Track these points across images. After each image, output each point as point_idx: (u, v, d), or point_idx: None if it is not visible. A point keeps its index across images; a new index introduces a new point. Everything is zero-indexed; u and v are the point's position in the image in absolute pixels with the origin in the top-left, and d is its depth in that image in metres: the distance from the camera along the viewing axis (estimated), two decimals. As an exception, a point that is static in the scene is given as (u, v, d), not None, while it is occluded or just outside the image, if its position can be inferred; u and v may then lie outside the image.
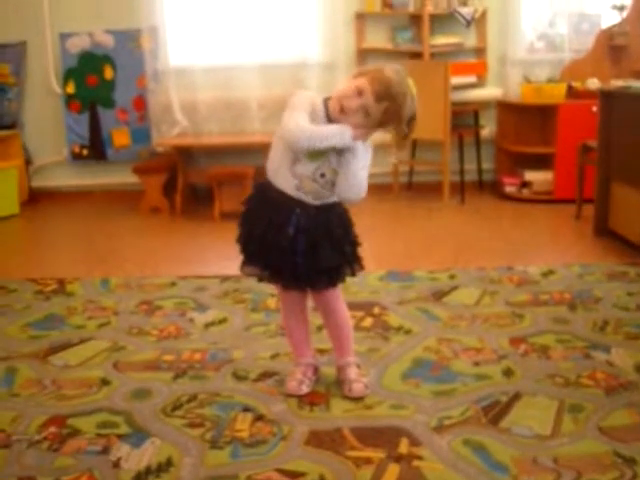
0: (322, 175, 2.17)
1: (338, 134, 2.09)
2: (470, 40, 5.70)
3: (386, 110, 2.11)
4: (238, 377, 2.51)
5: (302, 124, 2.08)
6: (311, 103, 2.15)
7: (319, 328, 2.66)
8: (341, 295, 2.39)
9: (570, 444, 2.03)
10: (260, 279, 2.36)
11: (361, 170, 2.15)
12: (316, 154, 2.13)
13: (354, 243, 2.30)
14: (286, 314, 2.42)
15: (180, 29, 5.62)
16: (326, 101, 2.18)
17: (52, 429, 2.17)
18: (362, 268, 2.34)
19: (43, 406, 2.33)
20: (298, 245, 2.19)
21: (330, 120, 2.14)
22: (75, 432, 2.15)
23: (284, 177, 2.18)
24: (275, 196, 2.20)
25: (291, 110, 2.13)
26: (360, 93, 2.09)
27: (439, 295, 3.32)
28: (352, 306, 2.71)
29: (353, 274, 2.33)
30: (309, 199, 2.19)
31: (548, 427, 2.12)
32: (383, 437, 2.08)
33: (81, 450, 2.05)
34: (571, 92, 5.39)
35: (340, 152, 2.13)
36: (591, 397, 2.30)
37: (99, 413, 2.27)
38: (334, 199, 2.23)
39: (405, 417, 2.20)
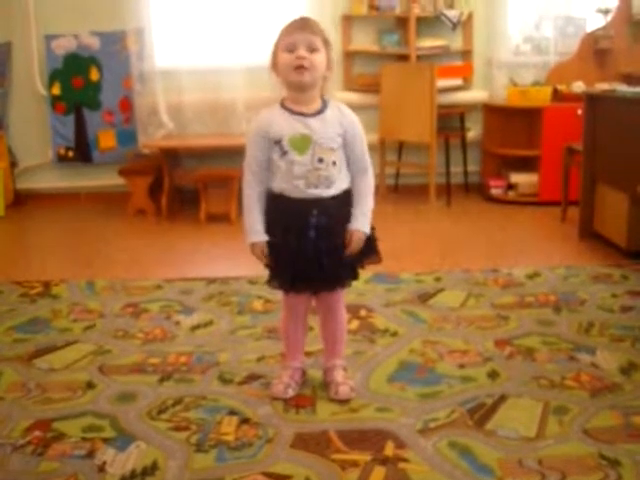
0: (320, 160, 2.16)
1: (246, 232, 2.23)
2: (456, 43, 5.72)
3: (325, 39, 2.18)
4: (224, 380, 2.50)
5: (246, 204, 2.23)
6: (260, 132, 2.19)
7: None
8: (344, 296, 2.39)
9: (555, 446, 2.04)
10: (287, 289, 2.30)
11: (366, 149, 2.26)
12: (300, 144, 2.15)
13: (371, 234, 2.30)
14: (288, 317, 2.39)
15: (166, 31, 5.61)
16: (282, 101, 2.22)
17: (37, 433, 2.16)
18: (380, 259, 2.33)
19: (28, 410, 2.31)
20: (321, 247, 2.18)
21: (293, 112, 2.18)
22: (60, 436, 2.14)
23: (291, 184, 2.17)
24: (290, 204, 2.19)
25: (247, 154, 2.23)
26: (310, 49, 2.13)
27: (425, 297, 3.33)
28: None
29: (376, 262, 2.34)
30: (324, 191, 2.18)
31: (533, 429, 2.13)
32: (369, 440, 2.08)
33: (66, 454, 2.04)
34: (556, 95, 5.42)
35: (344, 136, 2.19)
36: (576, 399, 2.31)
37: (84, 417, 2.26)
38: (346, 184, 2.23)
39: (391, 420, 2.20)
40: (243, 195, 2.24)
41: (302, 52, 2.11)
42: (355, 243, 2.22)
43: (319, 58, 2.14)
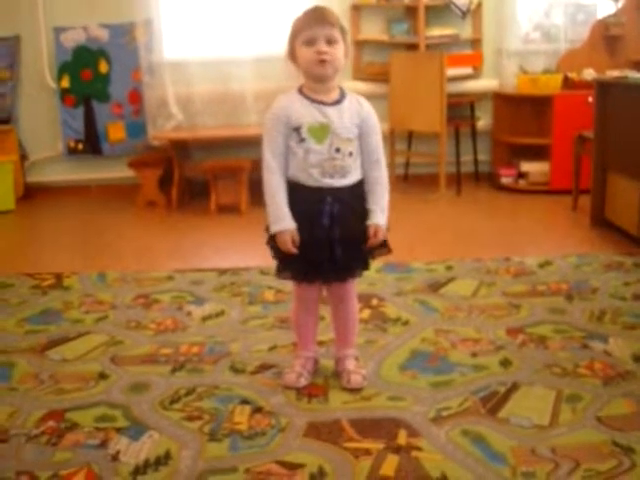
0: (337, 150, 2.16)
1: (272, 221, 2.18)
2: (466, 31, 5.69)
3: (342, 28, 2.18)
4: (236, 370, 2.50)
5: (268, 182, 2.18)
6: (281, 118, 2.17)
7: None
8: (355, 286, 2.39)
9: (568, 434, 2.03)
10: (298, 279, 2.30)
11: (381, 143, 2.26)
12: (319, 133, 2.15)
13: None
14: (299, 307, 2.39)
15: (175, 22, 5.60)
16: (300, 88, 2.22)
17: (50, 423, 2.17)
18: (390, 251, 2.32)
19: (41, 400, 2.32)
20: (335, 235, 2.17)
21: (313, 100, 2.18)
22: (73, 426, 2.15)
23: (306, 172, 2.17)
24: (304, 192, 2.18)
25: (265, 140, 2.19)
26: (329, 41, 2.13)
27: (436, 286, 3.32)
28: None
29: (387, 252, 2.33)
30: (338, 180, 2.18)
31: (546, 417, 2.12)
32: (381, 428, 2.08)
33: (79, 444, 2.05)
34: (567, 83, 5.40)
35: (360, 127, 2.20)
36: (589, 387, 2.30)
37: (97, 407, 2.26)
38: (359, 175, 2.22)
39: (403, 408, 2.20)
40: (264, 181, 2.20)
41: (323, 46, 2.11)
42: (378, 238, 2.23)
43: (339, 49, 2.15)
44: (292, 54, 2.19)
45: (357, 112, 2.21)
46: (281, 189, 2.18)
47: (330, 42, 2.12)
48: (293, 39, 2.17)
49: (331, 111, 2.17)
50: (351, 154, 2.19)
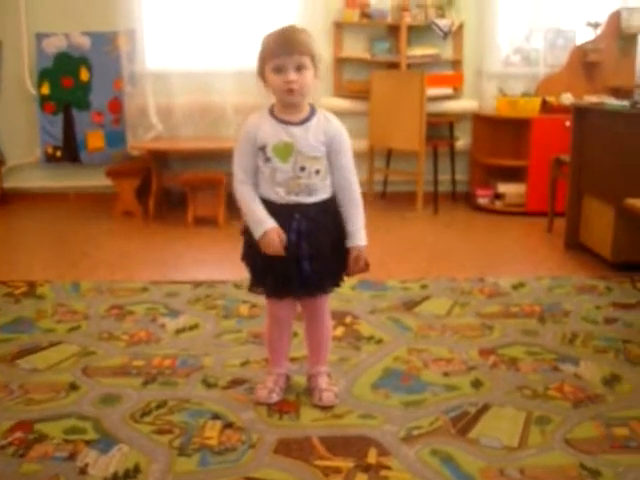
0: (302, 169, 2.17)
1: (254, 228, 2.19)
2: (447, 52, 5.75)
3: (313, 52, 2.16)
4: (208, 384, 2.50)
5: (241, 194, 2.22)
6: (248, 137, 2.20)
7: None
8: (328, 302, 2.40)
9: (537, 455, 2.05)
10: (268, 294, 2.31)
11: (352, 161, 2.25)
12: (283, 152, 2.16)
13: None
14: (272, 323, 2.39)
15: (157, 33, 5.60)
16: (271, 108, 2.23)
17: (18, 434, 2.15)
18: (367, 268, 2.31)
19: (10, 411, 2.30)
20: (302, 251, 2.19)
21: (279, 120, 2.19)
22: (42, 437, 2.13)
23: (272, 190, 2.19)
24: (272, 208, 2.19)
25: (235, 156, 2.23)
26: (298, 68, 2.13)
27: (411, 305, 3.33)
28: (324, 315, 2.71)
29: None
30: (304, 198, 2.19)
31: (515, 438, 2.14)
32: (352, 447, 2.08)
33: (48, 456, 2.03)
34: (545, 106, 5.46)
35: (328, 145, 2.19)
36: (559, 409, 2.32)
37: (67, 418, 2.25)
38: (327, 194, 2.23)
39: (374, 427, 2.20)
40: (237, 194, 2.23)
41: (292, 76, 2.11)
42: (361, 260, 2.24)
43: (308, 76, 2.14)
44: (262, 74, 2.20)
45: (324, 130, 2.20)
46: (255, 198, 2.21)
47: (300, 69, 2.13)
48: (262, 62, 2.18)
49: (296, 130, 2.18)
50: (318, 172, 2.19)
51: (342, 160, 2.23)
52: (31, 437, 2.13)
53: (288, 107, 2.19)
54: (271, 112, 2.22)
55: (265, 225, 2.17)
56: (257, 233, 2.18)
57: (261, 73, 2.19)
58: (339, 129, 2.23)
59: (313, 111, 2.22)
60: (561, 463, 2.00)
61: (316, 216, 2.20)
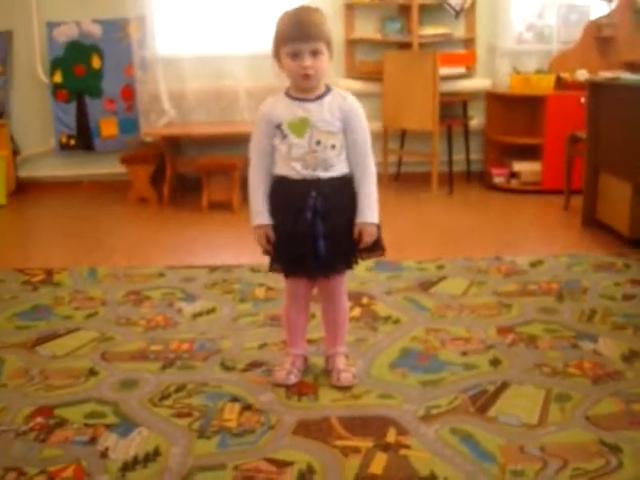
0: (318, 142, 2.18)
1: (252, 216, 2.27)
2: (459, 31, 5.70)
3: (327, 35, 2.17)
4: (226, 367, 2.50)
5: (252, 179, 2.26)
6: (264, 118, 2.22)
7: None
8: (345, 283, 2.39)
9: (557, 433, 2.04)
10: (287, 275, 2.32)
11: (368, 138, 2.26)
12: (299, 127, 2.18)
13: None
14: (289, 304, 2.40)
15: (168, 18, 5.59)
16: (287, 90, 2.24)
17: (39, 420, 2.16)
18: (383, 252, 2.32)
19: (30, 397, 2.32)
20: (317, 229, 2.19)
21: (294, 98, 2.21)
22: (62, 422, 2.15)
23: (288, 166, 2.20)
24: (289, 186, 2.21)
25: (252, 140, 2.27)
26: (314, 53, 2.13)
27: (427, 285, 3.32)
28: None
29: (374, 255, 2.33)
30: (321, 172, 2.19)
31: (535, 416, 2.13)
32: (371, 426, 2.09)
33: (68, 440, 2.05)
34: (560, 83, 5.41)
35: (343, 121, 2.20)
36: (578, 386, 2.31)
37: (87, 403, 2.26)
38: (344, 170, 2.23)
39: (393, 406, 2.20)
40: (249, 179, 2.28)
41: (307, 61, 2.12)
42: (367, 236, 2.23)
43: (323, 60, 2.15)
44: (277, 56, 2.21)
45: (339, 106, 2.21)
46: (261, 187, 2.25)
47: (314, 54, 2.13)
48: (277, 45, 2.18)
49: (311, 106, 2.20)
50: (333, 147, 2.20)
51: (357, 136, 2.23)
52: (52, 422, 2.15)
53: (304, 88, 2.20)
54: (286, 93, 2.24)
55: (258, 220, 2.25)
56: (252, 222, 2.27)
57: (276, 54, 2.20)
58: (354, 105, 2.23)
59: (328, 89, 2.24)
60: (581, 440, 2.00)
61: (332, 194, 2.20)
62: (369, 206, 2.23)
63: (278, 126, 2.19)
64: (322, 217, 2.19)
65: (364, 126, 2.24)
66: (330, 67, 2.22)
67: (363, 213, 2.23)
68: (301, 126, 2.18)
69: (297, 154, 2.18)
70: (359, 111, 2.24)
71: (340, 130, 2.20)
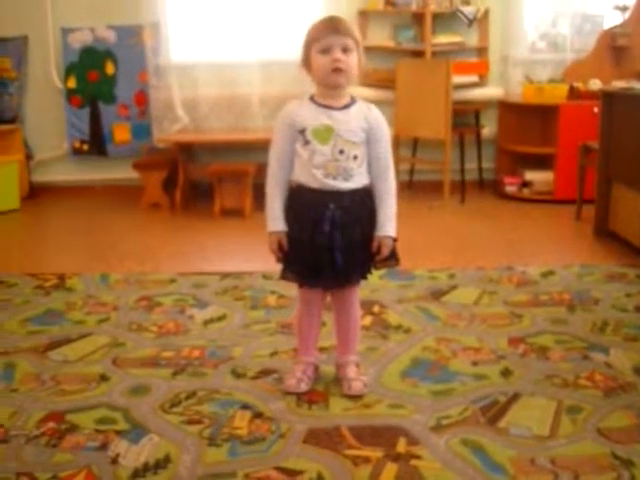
0: (341, 152, 2.19)
1: (267, 221, 2.26)
2: (472, 39, 5.70)
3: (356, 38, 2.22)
4: (237, 374, 2.51)
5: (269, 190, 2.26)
6: (286, 121, 2.23)
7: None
8: (358, 293, 2.40)
9: (568, 445, 2.03)
10: (300, 283, 2.33)
11: (390, 150, 2.28)
12: (323, 135, 2.18)
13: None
14: (302, 312, 2.40)
15: (182, 25, 5.61)
16: (312, 95, 2.26)
17: (51, 424, 2.17)
18: (397, 262, 2.33)
19: (42, 401, 2.33)
20: (335, 242, 2.19)
21: (320, 105, 2.22)
22: (73, 428, 2.15)
23: (309, 174, 2.20)
24: (308, 195, 2.21)
25: (272, 144, 2.27)
26: (345, 50, 2.17)
27: (438, 294, 3.32)
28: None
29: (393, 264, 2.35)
30: (341, 183, 2.19)
31: (546, 428, 2.12)
32: (381, 436, 2.08)
33: (79, 446, 2.05)
34: (573, 93, 5.39)
35: (367, 132, 2.21)
36: (589, 398, 2.30)
37: (98, 409, 2.27)
38: (364, 181, 2.23)
39: (403, 416, 2.20)
40: (266, 184, 2.28)
41: (338, 54, 2.15)
42: (385, 249, 2.24)
43: (353, 59, 2.18)
44: (306, 62, 2.22)
45: (365, 117, 2.23)
46: (278, 193, 2.25)
47: (345, 51, 2.16)
48: (308, 47, 2.20)
49: (337, 114, 2.21)
50: (356, 157, 2.20)
51: (380, 148, 2.24)
52: (63, 427, 2.16)
53: (331, 92, 2.21)
54: (311, 99, 2.25)
55: (274, 225, 2.24)
56: (268, 227, 2.26)
57: (306, 60, 2.22)
58: (379, 118, 2.26)
59: (354, 100, 2.26)
60: (593, 453, 1.99)
61: (351, 206, 2.20)
62: (390, 219, 2.25)
63: (301, 131, 2.20)
64: (340, 230, 2.19)
65: (387, 138, 2.26)
66: (358, 72, 2.24)
67: (384, 226, 2.24)
68: (326, 134, 2.18)
69: (319, 161, 2.18)
70: (383, 124, 2.26)
71: (363, 141, 2.21)
